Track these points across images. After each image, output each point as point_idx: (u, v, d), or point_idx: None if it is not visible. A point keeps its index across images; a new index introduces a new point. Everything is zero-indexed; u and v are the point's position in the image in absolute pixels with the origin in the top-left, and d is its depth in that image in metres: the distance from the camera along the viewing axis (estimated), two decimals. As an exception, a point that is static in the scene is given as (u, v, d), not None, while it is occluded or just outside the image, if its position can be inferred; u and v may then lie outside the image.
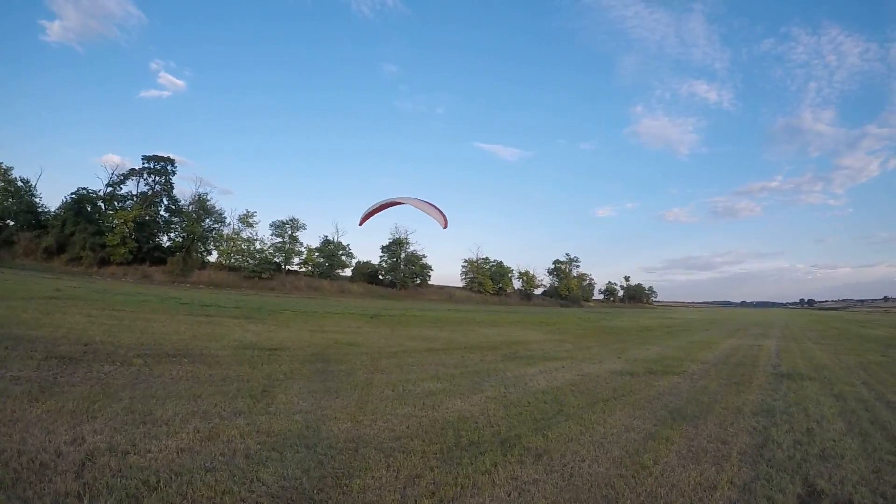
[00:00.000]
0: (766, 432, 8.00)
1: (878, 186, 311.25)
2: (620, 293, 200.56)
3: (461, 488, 5.13)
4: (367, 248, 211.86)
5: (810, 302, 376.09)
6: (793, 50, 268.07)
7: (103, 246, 74.92)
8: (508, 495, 5.07)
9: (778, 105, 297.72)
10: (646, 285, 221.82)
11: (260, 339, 15.69)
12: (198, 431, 6.30)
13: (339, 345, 16.13)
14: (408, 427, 7.22)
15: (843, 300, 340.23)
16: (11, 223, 76.59)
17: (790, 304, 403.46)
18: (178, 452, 5.52)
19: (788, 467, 6.38)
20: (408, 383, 10.52)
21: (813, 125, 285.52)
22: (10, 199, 76.84)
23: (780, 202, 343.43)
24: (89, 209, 78.64)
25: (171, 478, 4.83)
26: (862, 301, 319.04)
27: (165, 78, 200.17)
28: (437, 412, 8.23)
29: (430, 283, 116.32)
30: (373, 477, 5.25)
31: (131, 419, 6.55)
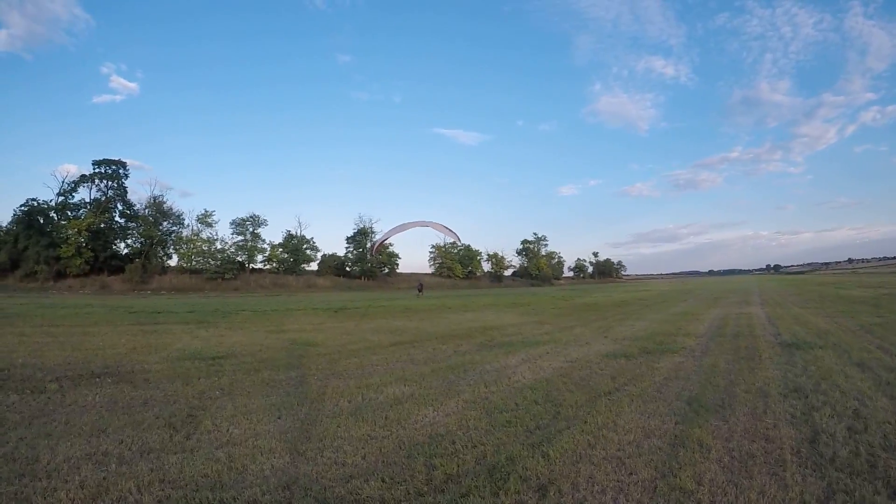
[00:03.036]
0: (809, 420, 6.50)
1: (836, 153, 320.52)
2: (590, 269, 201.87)
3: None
4: (332, 240, 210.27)
5: (776, 267, 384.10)
6: (748, 23, 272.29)
7: (58, 258, 72.55)
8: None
9: (735, 77, 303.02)
10: (614, 260, 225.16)
11: (207, 347, 13.88)
12: (83, 486, 4.70)
13: (295, 346, 14.34)
14: (364, 457, 5.46)
15: (808, 264, 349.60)
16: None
17: (756, 270, 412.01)
18: (45, 525, 3.84)
19: (860, 468, 4.95)
20: (368, 390, 8.74)
21: (770, 96, 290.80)
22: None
23: (741, 172, 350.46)
24: (41, 221, 76.21)
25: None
26: (826, 264, 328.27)
27: (117, 81, 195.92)
28: (404, 429, 6.47)
29: (398, 271, 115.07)
30: (304, 556, 3.54)
31: (8, 472, 4.95)
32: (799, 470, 4.94)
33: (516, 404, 7.65)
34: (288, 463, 5.31)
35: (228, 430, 6.47)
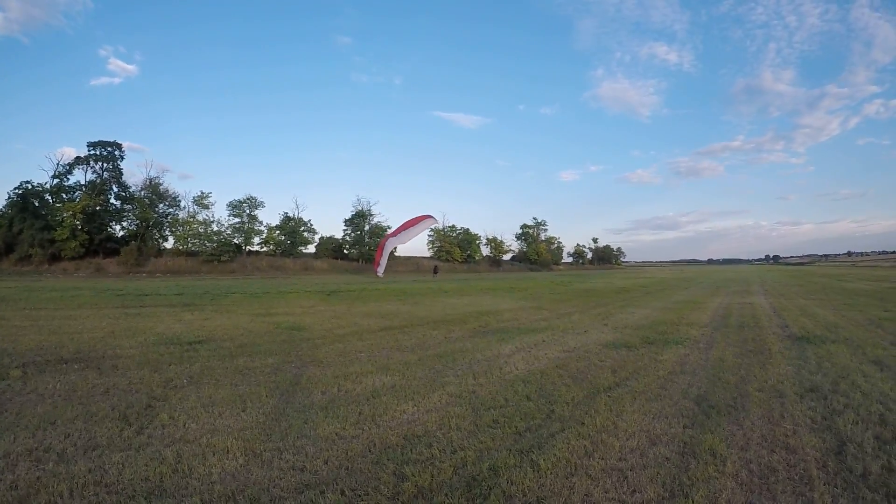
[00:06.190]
0: (831, 426, 5.82)
1: (838, 145, 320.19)
2: (589, 255, 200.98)
3: None
4: (330, 222, 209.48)
5: (775, 258, 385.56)
6: (752, 11, 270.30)
7: (52, 241, 71.68)
8: None
9: (738, 66, 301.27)
10: (614, 246, 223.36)
11: (187, 331, 13.23)
12: (14, 487, 4.25)
13: (279, 330, 13.67)
14: (326, 462, 4.78)
15: (807, 255, 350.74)
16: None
17: (756, 260, 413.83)
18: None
19: (896, 487, 4.23)
20: (347, 380, 8.06)
21: (773, 85, 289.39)
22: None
23: (743, 161, 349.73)
24: (36, 204, 75.34)
25: None
26: (826, 256, 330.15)
27: (115, 64, 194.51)
28: (377, 428, 5.78)
29: (397, 254, 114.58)
30: None
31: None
32: (828, 489, 4.30)
33: (506, 400, 6.98)
34: (240, 466, 4.69)
35: (185, 424, 5.88)
